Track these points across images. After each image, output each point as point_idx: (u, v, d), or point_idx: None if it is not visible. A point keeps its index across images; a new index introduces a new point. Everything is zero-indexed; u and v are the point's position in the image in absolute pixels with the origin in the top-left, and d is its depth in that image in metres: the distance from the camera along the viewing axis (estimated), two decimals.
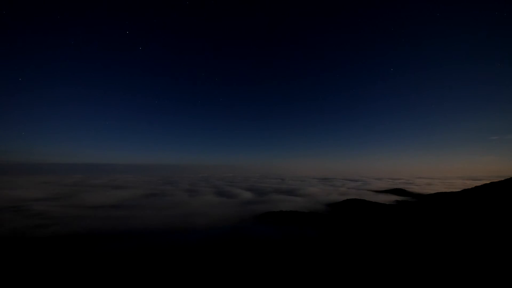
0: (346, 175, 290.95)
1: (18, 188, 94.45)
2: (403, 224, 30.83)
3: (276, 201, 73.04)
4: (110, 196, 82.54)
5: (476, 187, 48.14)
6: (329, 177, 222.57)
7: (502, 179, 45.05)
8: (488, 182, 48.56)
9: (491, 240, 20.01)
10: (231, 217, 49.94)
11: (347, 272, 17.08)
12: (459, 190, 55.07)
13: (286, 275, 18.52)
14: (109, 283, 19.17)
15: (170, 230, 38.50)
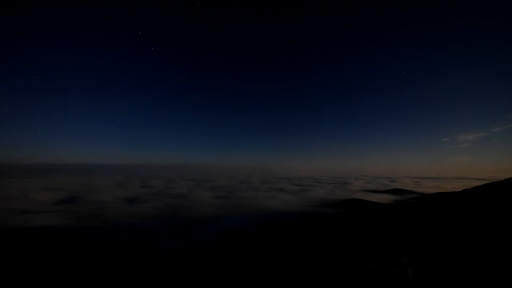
0: (345, 174, 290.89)
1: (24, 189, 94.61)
2: (403, 224, 30.81)
3: (278, 200, 73.17)
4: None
5: (476, 187, 48.08)
6: (329, 177, 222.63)
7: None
8: (488, 182, 48.50)
9: (491, 240, 19.99)
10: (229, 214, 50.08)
11: (347, 272, 17.04)
12: (459, 190, 55.01)
13: (285, 276, 18.50)
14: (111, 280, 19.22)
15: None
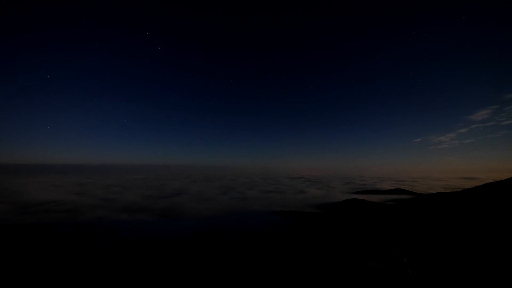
0: (345, 174, 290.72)
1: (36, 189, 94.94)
2: (403, 224, 30.82)
3: (277, 201, 73.20)
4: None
5: (476, 187, 48.15)
6: (329, 177, 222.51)
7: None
8: (488, 182, 48.58)
9: (491, 240, 20.02)
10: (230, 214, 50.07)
11: (348, 272, 17.08)
12: (459, 190, 55.09)
13: (286, 276, 18.53)
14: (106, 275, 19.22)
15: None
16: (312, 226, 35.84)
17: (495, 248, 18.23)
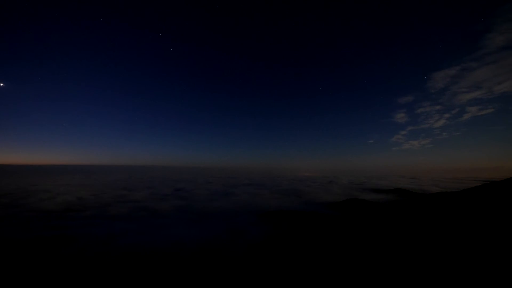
0: (345, 174, 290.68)
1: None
2: (404, 224, 30.85)
3: (277, 200, 73.24)
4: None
5: (476, 187, 48.22)
6: (329, 177, 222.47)
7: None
8: (488, 182, 48.69)
9: (491, 240, 20.02)
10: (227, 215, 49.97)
11: (345, 273, 17.06)
12: (459, 190, 55.18)
13: (286, 276, 18.51)
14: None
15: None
16: (311, 226, 35.81)
17: (496, 248, 18.22)
